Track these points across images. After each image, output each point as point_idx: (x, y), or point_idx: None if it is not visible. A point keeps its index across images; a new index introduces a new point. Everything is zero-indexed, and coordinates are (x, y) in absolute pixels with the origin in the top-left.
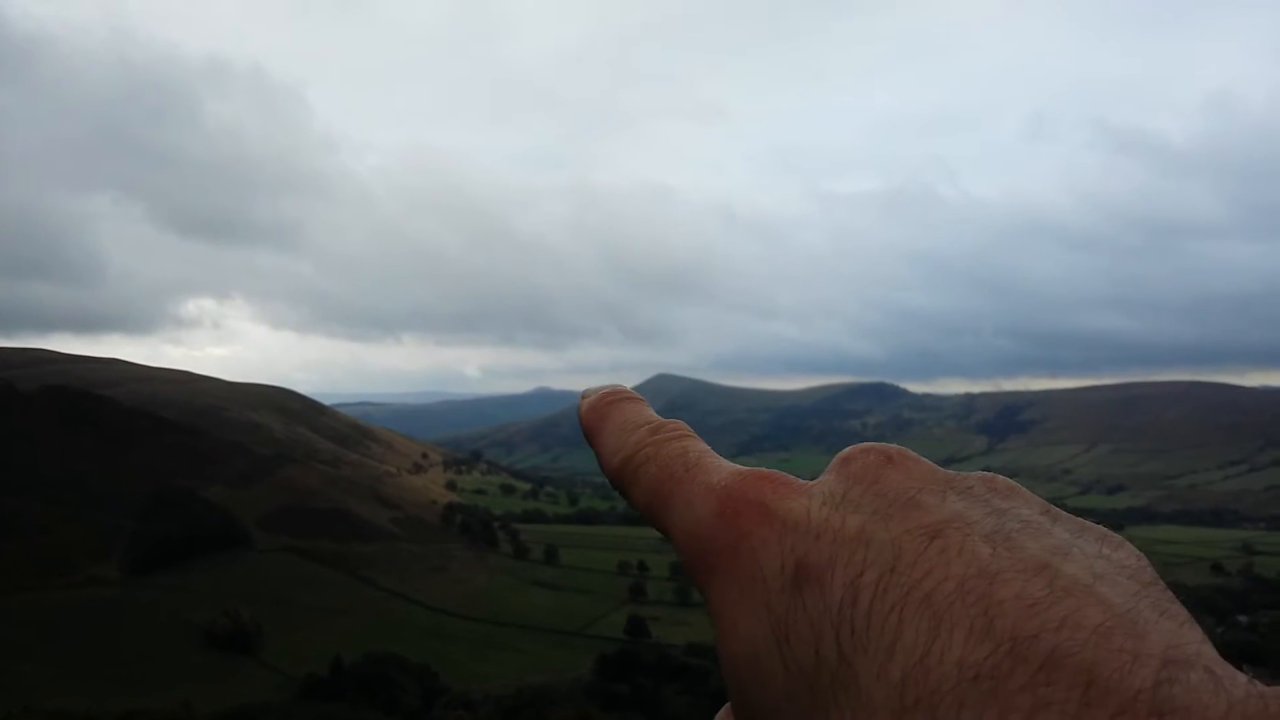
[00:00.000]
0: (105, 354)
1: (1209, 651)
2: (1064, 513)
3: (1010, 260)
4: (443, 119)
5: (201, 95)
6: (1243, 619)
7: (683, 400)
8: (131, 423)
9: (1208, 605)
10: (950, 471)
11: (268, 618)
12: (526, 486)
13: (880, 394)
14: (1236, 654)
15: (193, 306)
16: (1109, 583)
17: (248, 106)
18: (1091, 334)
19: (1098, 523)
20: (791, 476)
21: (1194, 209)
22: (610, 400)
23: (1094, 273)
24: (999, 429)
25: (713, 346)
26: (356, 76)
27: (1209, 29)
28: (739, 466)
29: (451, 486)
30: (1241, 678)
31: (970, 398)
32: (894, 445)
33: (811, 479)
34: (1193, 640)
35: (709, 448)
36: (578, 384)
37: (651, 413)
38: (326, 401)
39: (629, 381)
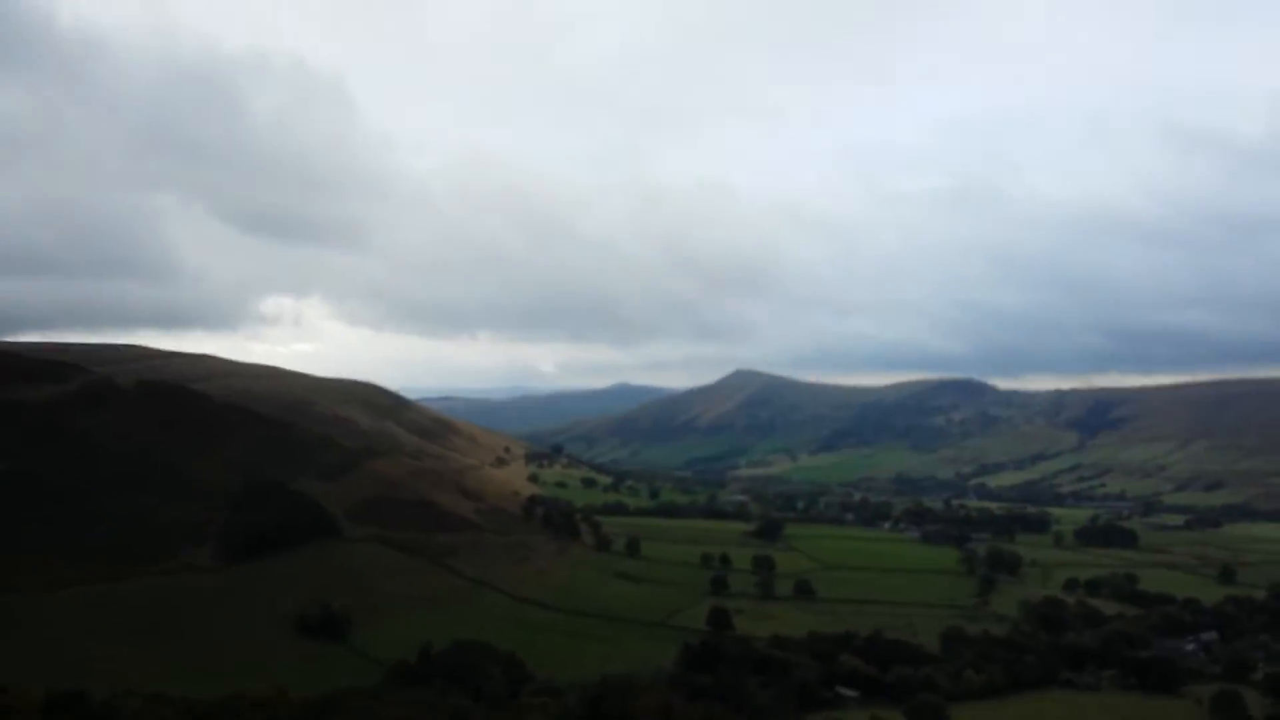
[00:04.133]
0: (192, 349)
1: None
2: None
3: (1089, 257)
4: (500, 121)
5: (246, 91)
6: None
7: (763, 396)
8: (223, 416)
9: None
10: None
11: (356, 605)
12: (607, 480)
13: (967, 390)
14: None
15: (272, 304)
16: None
17: (293, 102)
18: (1181, 330)
19: (1196, 519)
20: None
21: (1275, 205)
22: None
23: (1177, 269)
24: (1090, 425)
25: (789, 343)
26: (409, 80)
27: (1267, 25)
28: None
29: (533, 479)
30: None
31: (1060, 394)
32: None
33: (896, 475)
34: None
35: None
36: (657, 380)
37: None
38: (411, 396)
39: (708, 378)
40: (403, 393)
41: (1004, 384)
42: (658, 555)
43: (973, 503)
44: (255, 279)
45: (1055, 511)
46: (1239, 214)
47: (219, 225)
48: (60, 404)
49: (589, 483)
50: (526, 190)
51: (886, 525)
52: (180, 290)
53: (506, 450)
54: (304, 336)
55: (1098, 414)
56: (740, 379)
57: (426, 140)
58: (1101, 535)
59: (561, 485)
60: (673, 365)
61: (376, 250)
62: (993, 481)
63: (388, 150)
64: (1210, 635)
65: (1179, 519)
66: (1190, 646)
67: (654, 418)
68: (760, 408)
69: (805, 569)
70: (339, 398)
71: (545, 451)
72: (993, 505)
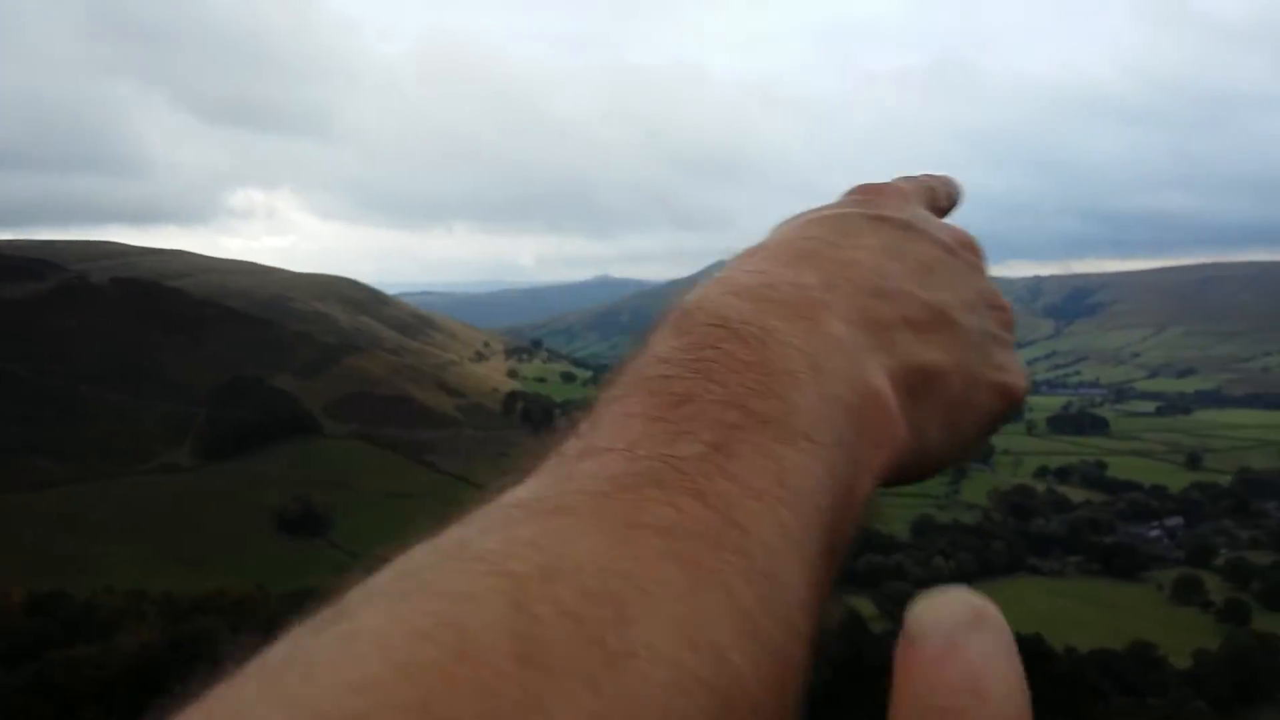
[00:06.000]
0: (164, 245)
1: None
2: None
3: (1065, 138)
4: (468, 3)
5: None
6: None
7: None
8: (201, 313)
9: (1275, 489)
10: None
11: (337, 501)
12: (587, 374)
13: None
14: None
15: (242, 197)
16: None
17: None
18: (1160, 213)
19: (1168, 406)
20: None
21: (1251, 81)
22: None
23: (1156, 150)
24: (1067, 312)
25: (767, 231)
26: None
27: None
28: None
29: (513, 375)
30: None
31: (1038, 280)
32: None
33: None
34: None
35: None
36: (638, 272)
37: None
38: (387, 290)
39: (689, 269)
40: (380, 287)
41: None
42: None
43: None
44: (223, 171)
45: (1030, 399)
46: (1218, 92)
47: (181, 115)
48: (38, 302)
49: (569, 378)
50: (498, 75)
51: None
52: (148, 184)
53: (486, 345)
54: (276, 230)
55: (1075, 300)
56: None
57: (393, 23)
58: (1073, 423)
59: (541, 380)
60: (654, 257)
61: (346, 140)
62: None
63: (353, 35)
64: (1175, 521)
65: (1151, 406)
66: (1155, 532)
67: (635, 310)
68: None
69: None
70: (315, 293)
71: (525, 346)
72: None
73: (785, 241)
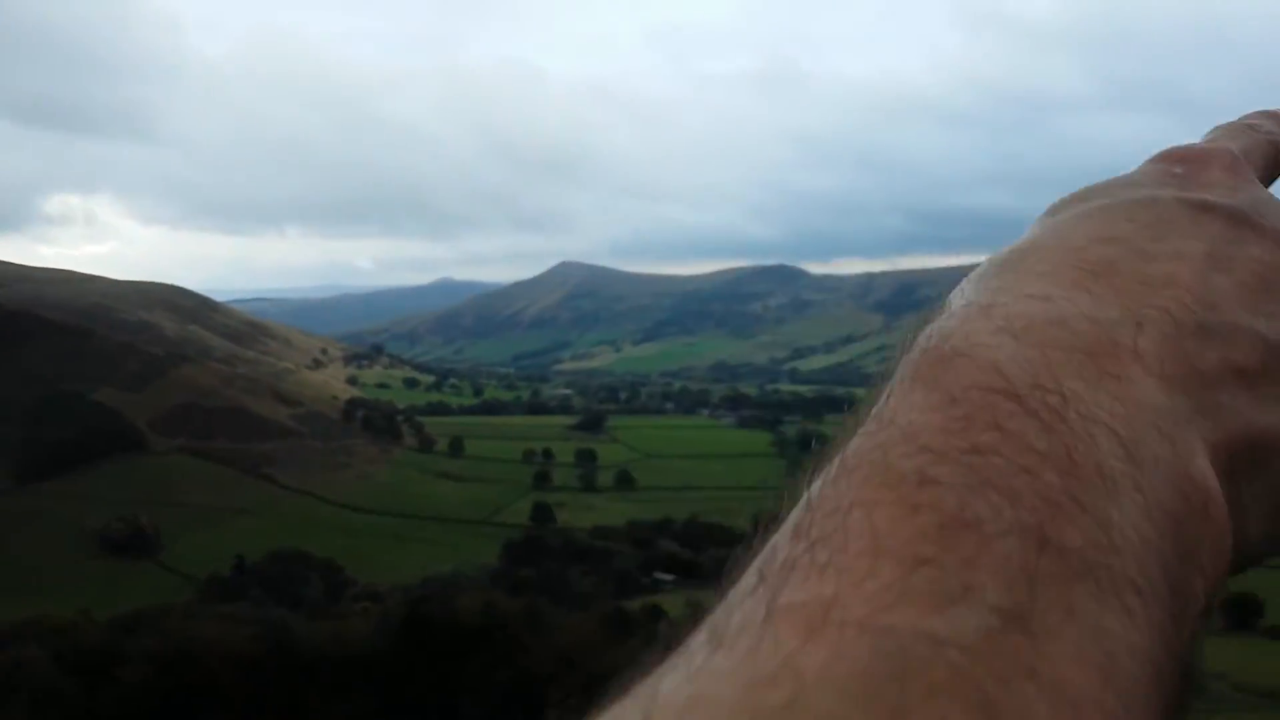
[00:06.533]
0: None
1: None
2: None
3: (888, 138)
4: (295, 2)
5: None
6: None
7: (586, 287)
8: (14, 325)
9: None
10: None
11: (166, 520)
12: (430, 379)
13: (781, 276)
14: None
15: (58, 203)
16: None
17: None
18: (977, 210)
19: None
20: None
21: (1059, 83)
22: None
23: (972, 150)
24: (895, 307)
25: (609, 232)
26: None
27: None
28: None
29: (353, 381)
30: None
31: (869, 277)
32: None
33: (715, 363)
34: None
35: None
36: (480, 274)
37: None
38: (217, 298)
39: (532, 270)
40: (210, 295)
41: (817, 268)
42: (481, 453)
43: (786, 386)
44: (36, 176)
45: (861, 392)
46: (1026, 94)
47: None
48: None
49: (411, 383)
50: (328, 75)
51: (705, 412)
52: None
53: (324, 352)
54: (96, 237)
55: (903, 295)
56: (563, 271)
57: (216, 20)
58: None
59: (383, 386)
60: (496, 259)
61: (169, 142)
62: (804, 365)
63: (174, 32)
64: None
65: None
66: None
67: (477, 313)
68: (583, 299)
69: (626, 459)
70: (140, 302)
71: (365, 352)
72: (804, 389)
73: (1072, 246)
